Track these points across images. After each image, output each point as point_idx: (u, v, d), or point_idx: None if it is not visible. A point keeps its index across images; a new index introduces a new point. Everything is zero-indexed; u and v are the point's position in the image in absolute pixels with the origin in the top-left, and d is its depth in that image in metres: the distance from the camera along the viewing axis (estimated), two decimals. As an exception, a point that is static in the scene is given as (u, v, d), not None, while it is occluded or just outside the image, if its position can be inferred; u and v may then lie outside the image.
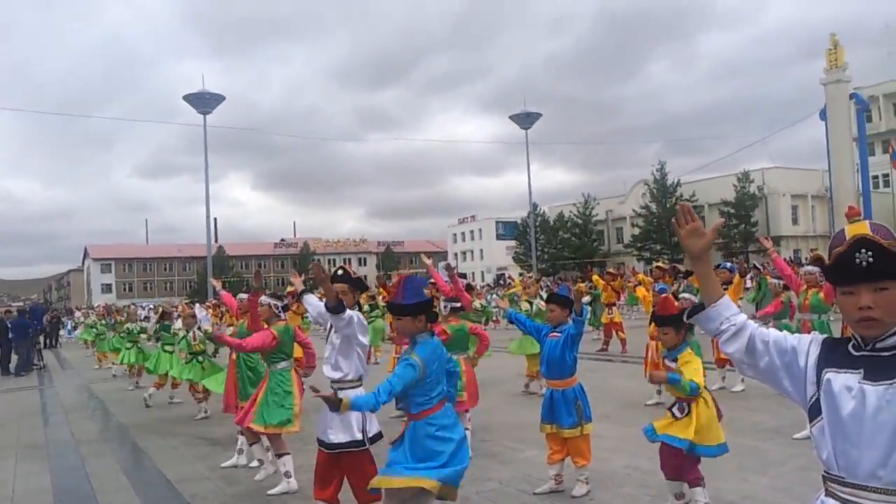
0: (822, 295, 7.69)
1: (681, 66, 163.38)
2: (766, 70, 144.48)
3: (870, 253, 1.92)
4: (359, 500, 5.12)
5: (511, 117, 50.40)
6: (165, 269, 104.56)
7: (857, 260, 1.94)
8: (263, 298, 7.18)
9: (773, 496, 5.54)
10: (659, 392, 9.61)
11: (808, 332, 6.75)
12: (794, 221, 65.18)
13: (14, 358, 22.22)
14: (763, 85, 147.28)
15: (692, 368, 4.87)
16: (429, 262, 8.99)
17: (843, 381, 1.99)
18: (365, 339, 5.25)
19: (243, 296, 8.39)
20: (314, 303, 5.68)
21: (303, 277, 6.41)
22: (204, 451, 8.62)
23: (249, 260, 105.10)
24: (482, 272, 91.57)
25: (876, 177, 59.50)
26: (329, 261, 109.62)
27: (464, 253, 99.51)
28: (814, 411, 2.06)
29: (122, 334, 17.30)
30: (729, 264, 11.66)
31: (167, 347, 12.58)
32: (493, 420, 8.85)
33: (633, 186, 74.36)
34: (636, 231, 68.86)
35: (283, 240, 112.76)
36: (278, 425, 6.41)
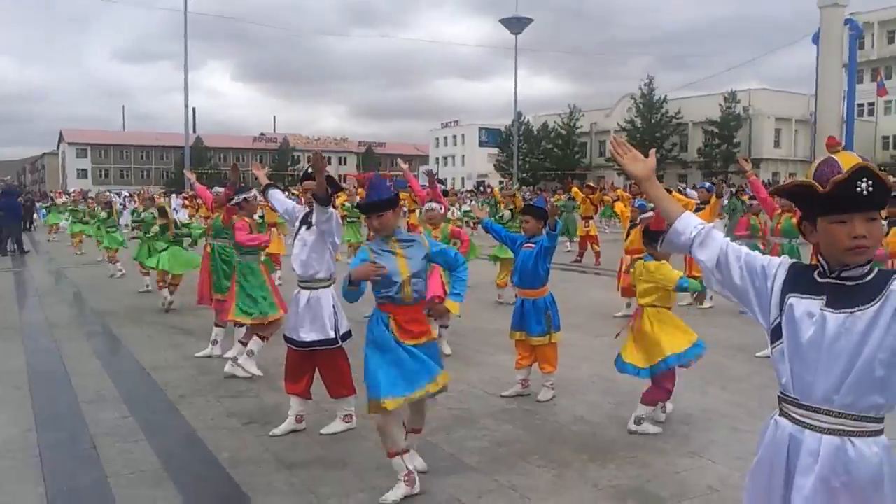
0: (794, 220, 7.74)
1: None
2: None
3: (870, 182, 1.95)
4: (332, 395, 5.26)
5: (501, 21, 49.11)
6: (142, 157, 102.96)
7: (859, 188, 1.95)
8: (217, 189, 7.24)
9: (731, 410, 5.74)
10: (628, 305, 9.80)
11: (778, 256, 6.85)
12: (777, 144, 65.27)
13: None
14: (759, 3, 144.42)
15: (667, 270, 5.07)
16: (405, 166, 8.96)
17: (805, 306, 2.04)
18: (338, 239, 5.28)
19: (219, 189, 8.32)
20: (280, 198, 5.72)
21: (266, 170, 6.32)
22: (178, 341, 8.71)
23: (228, 152, 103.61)
24: (463, 178, 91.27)
25: (861, 105, 59.46)
26: (309, 158, 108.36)
27: (445, 158, 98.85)
28: (775, 334, 2.12)
29: (96, 222, 17.33)
30: (707, 184, 11.74)
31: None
32: (466, 325, 9.01)
33: (619, 100, 73.62)
34: (619, 145, 68.52)
35: (262, 134, 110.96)
36: (260, 315, 6.52)
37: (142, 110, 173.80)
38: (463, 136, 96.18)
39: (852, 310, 1.97)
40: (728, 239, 2.26)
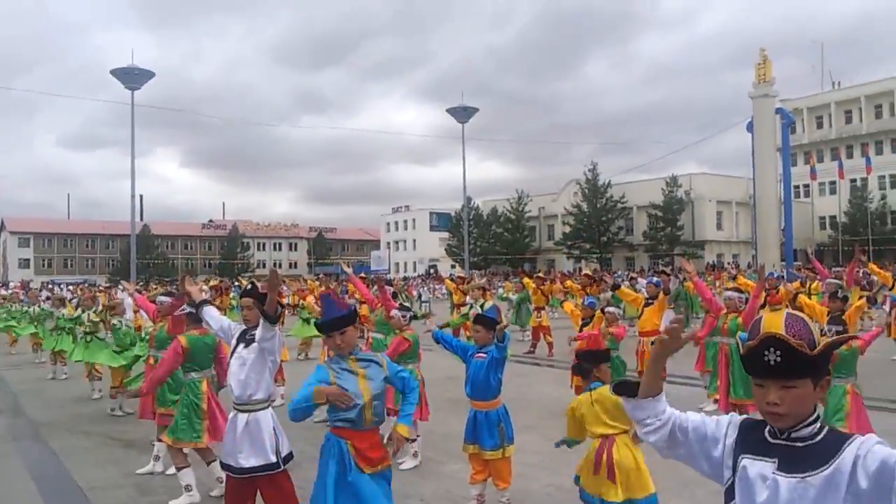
0: (740, 319, 7.91)
1: (618, 66, 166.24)
2: (699, 75, 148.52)
3: (778, 352, 1.94)
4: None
5: (448, 111, 50.23)
6: (87, 246, 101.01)
7: (766, 358, 1.95)
8: (160, 298, 7.05)
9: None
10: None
11: (726, 357, 6.87)
12: (719, 227, 67.24)
13: None
14: (695, 89, 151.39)
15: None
16: (349, 270, 8.99)
17: (758, 469, 2.02)
18: (279, 357, 5.16)
19: (164, 298, 8.12)
20: (215, 315, 5.50)
21: (207, 280, 6.22)
22: (118, 455, 8.35)
23: (176, 240, 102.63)
24: (414, 263, 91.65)
25: (797, 187, 61.99)
26: (258, 245, 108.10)
27: (396, 242, 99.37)
28: (728, 495, 2.09)
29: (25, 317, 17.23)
30: (655, 279, 11.92)
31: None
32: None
33: (565, 185, 75.44)
34: (567, 229, 69.96)
35: (211, 221, 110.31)
36: (185, 440, 6.29)
37: (89, 197, 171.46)
38: (414, 220, 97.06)
39: (804, 474, 1.94)
40: (676, 413, 2.22)
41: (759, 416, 2.12)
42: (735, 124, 50.67)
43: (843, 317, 7.11)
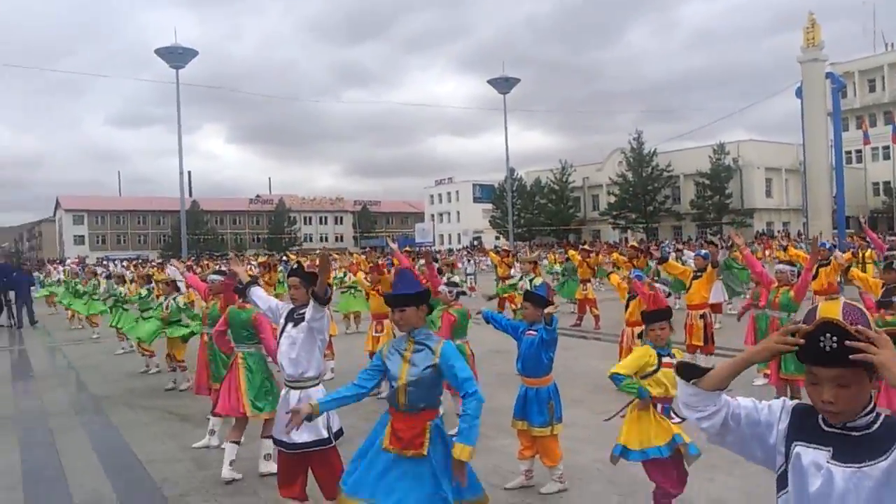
0: (792, 293, 7.80)
1: (660, 33, 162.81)
2: (744, 40, 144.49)
3: (834, 338, 1.91)
4: (326, 496, 5.13)
5: (489, 81, 49.93)
6: (139, 222, 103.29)
7: (822, 343, 1.92)
8: (211, 276, 7.14)
9: (740, 499, 5.63)
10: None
11: (776, 330, 6.80)
12: (768, 194, 65.86)
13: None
14: (740, 55, 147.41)
15: None
16: (394, 245, 9.02)
17: (811, 456, 2.00)
18: (327, 335, 5.25)
19: (216, 277, 8.28)
20: (262, 295, 5.61)
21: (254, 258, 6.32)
22: (175, 429, 8.59)
23: (224, 215, 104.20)
24: (459, 234, 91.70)
25: (849, 152, 60.24)
26: (305, 219, 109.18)
27: (441, 215, 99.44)
28: (781, 482, 2.07)
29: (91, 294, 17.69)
30: (703, 251, 11.76)
31: (144, 314, 12.44)
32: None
33: (609, 154, 74.52)
34: (612, 199, 69.22)
35: (258, 196, 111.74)
36: (272, 410, 6.34)
37: (138, 174, 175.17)
38: (457, 192, 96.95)
39: (860, 465, 1.92)
40: (730, 399, 2.19)
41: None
42: (783, 89, 49.50)
43: None
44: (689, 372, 2.19)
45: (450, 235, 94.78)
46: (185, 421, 8.92)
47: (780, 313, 7.84)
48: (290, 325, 5.06)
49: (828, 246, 12.39)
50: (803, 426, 2.06)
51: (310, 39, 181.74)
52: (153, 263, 39.33)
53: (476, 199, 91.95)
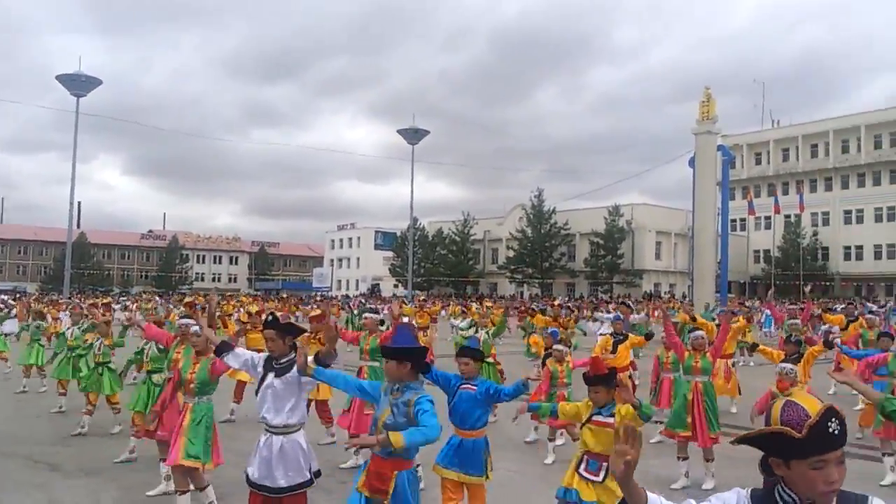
0: (709, 357, 8.34)
1: (568, 94, 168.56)
2: (646, 108, 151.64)
3: (837, 421, 2.06)
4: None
5: (399, 131, 50.52)
6: (19, 252, 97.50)
7: (830, 429, 2.05)
8: (179, 321, 6.93)
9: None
10: (536, 428, 9.89)
11: (700, 395, 7.14)
12: (658, 256, 68.73)
13: None
14: (641, 122, 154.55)
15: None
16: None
17: None
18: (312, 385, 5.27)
19: (185, 321, 7.73)
20: (238, 353, 5.43)
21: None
22: (42, 479, 7.87)
23: (112, 249, 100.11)
24: (357, 280, 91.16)
25: (734, 220, 63.89)
26: (199, 257, 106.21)
27: (340, 260, 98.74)
28: None
29: None
30: (617, 314, 12.38)
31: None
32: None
33: (511, 210, 76.29)
34: (511, 253, 70.65)
35: (150, 231, 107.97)
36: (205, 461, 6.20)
37: (26, 201, 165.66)
38: (359, 238, 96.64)
39: None
40: None
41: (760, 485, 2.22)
42: (678, 157, 52.15)
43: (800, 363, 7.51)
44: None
45: (348, 281, 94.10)
46: (54, 470, 8.22)
47: (702, 377, 8.19)
48: (271, 375, 5.02)
49: (729, 311, 13.36)
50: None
51: (221, 75, 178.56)
52: (33, 297, 37.19)
53: (377, 246, 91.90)
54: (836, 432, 2.06)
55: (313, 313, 11.63)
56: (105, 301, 18.56)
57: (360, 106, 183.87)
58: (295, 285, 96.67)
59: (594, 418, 5.13)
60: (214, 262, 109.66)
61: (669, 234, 68.76)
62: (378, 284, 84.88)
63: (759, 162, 75.23)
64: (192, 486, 6.31)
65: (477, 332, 12.00)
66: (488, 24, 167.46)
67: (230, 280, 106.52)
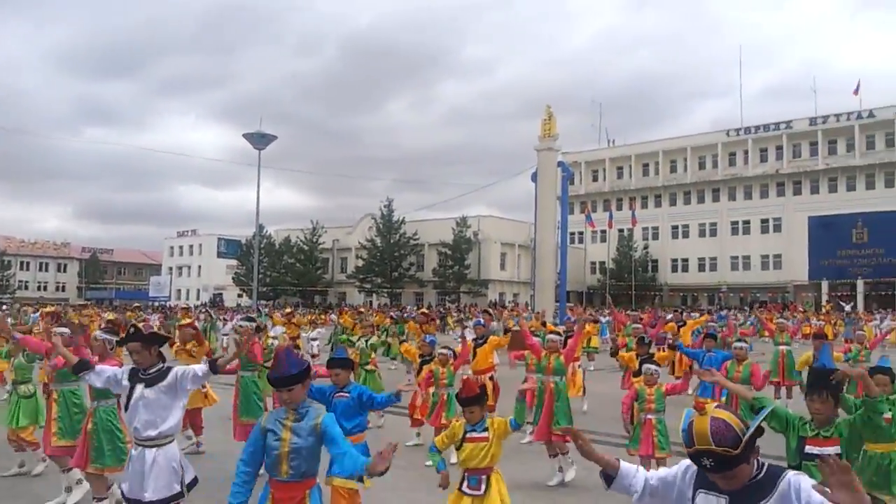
0: (562, 359, 8.79)
1: (419, 106, 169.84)
2: (493, 123, 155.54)
3: (710, 459, 2.47)
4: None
5: (245, 135, 49.02)
6: None
7: (703, 463, 2.50)
8: (98, 333, 6.64)
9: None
10: (418, 434, 9.98)
11: (551, 395, 7.53)
12: (502, 267, 70.92)
13: None
14: (489, 136, 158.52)
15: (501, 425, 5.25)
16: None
17: (712, 502, 2.56)
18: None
19: (63, 330, 7.07)
20: (99, 370, 5.20)
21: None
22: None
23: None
24: (198, 290, 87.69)
25: (573, 234, 66.99)
26: (22, 264, 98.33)
27: (180, 268, 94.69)
28: None
29: None
30: (479, 320, 12.73)
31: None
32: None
33: (361, 219, 76.16)
34: (360, 263, 70.47)
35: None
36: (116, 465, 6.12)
37: None
38: (200, 245, 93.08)
39: None
40: (644, 471, 2.86)
41: None
42: (521, 172, 54.05)
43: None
44: (604, 476, 2.92)
45: (188, 290, 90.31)
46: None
47: (554, 377, 8.64)
48: (140, 386, 4.85)
49: (573, 319, 14.66)
50: (705, 475, 2.59)
51: (52, 70, 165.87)
52: None
53: (220, 254, 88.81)
54: (710, 466, 2.49)
55: (46, 310, 10.96)
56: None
57: (206, 108, 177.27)
58: (130, 294, 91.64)
59: (468, 435, 5.29)
60: (40, 270, 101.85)
61: (514, 246, 71.13)
62: (221, 294, 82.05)
63: (595, 179, 79.54)
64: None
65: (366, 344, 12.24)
66: (340, 32, 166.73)
67: (58, 289, 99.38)
